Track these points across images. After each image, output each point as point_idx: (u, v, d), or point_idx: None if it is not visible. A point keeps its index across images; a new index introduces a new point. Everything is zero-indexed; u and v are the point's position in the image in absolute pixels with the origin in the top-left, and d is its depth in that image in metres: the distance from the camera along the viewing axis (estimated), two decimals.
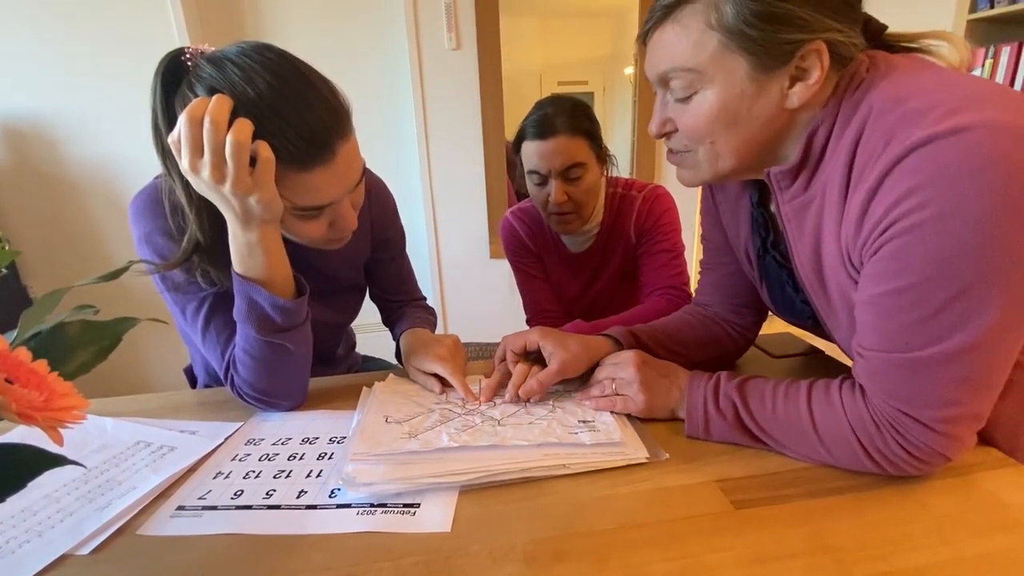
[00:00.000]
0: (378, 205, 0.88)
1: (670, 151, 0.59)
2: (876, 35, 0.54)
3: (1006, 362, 0.45)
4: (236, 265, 0.61)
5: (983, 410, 0.47)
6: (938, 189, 0.41)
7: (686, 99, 0.53)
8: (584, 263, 1.10)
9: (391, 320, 0.98)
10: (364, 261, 0.90)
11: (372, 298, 0.99)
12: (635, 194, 1.07)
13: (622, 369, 0.63)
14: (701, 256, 0.79)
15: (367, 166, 0.69)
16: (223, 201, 0.56)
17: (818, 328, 0.64)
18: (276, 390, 0.66)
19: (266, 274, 0.61)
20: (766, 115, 0.51)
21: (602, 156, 1.01)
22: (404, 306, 0.98)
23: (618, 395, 0.63)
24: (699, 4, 0.49)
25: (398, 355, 0.86)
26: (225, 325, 0.66)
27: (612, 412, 0.62)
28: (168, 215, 0.64)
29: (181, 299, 0.67)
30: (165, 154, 0.59)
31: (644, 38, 0.55)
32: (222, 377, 0.67)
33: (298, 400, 0.69)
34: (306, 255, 0.73)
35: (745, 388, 0.56)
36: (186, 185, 0.59)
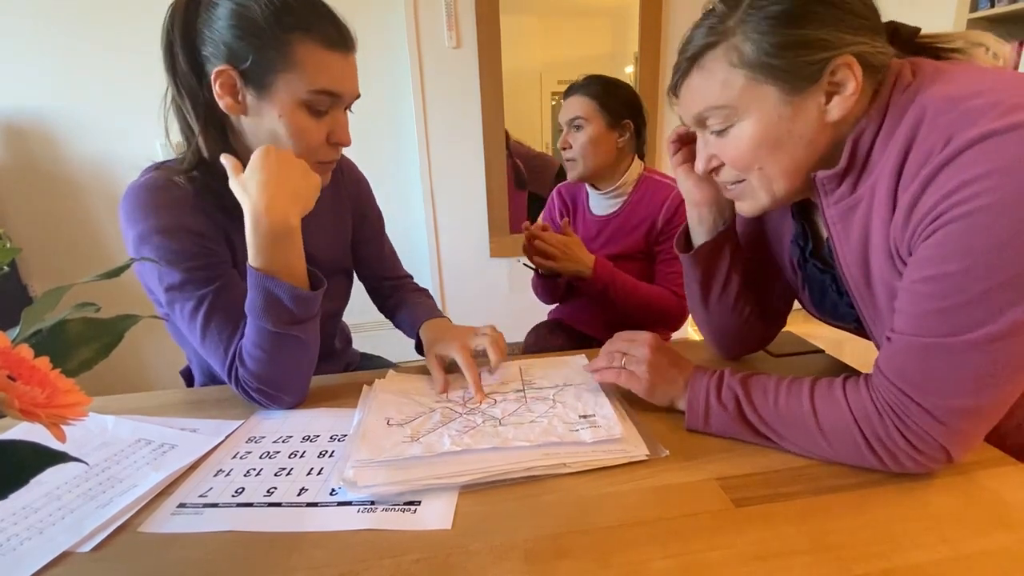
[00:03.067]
0: (353, 183, 0.93)
1: (724, 187, 0.60)
2: (909, 39, 0.55)
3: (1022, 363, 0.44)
4: (254, 260, 0.62)
5: (991, 410, 0.46)
6: (993, 181, 0.41)
7: (724, 132, 0.54)
8: (604, 225, 1.24)
9: (389, 305, 1.00)
10: (348, 239, 0.93)
11: (364, 281, 1.02)
12: (669, 183, 1.17)
13: (636, 348, 0.64)
14: None
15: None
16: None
17: (861, 330, 0.65)
18: (282, 383, 0.67)
19: (285, 266, 0.63)
20: (809, 132, 0.52)
21: (613, 123, 1.15)
22: (399, 289, 1.01)
23: (624, 370, 0.64)
24: (719, 49, 0.51)
25: (418, 346, 0.87)
26: (226, 322, 0.67)
27: (612, 405, 0.62)
28: (178, 131, 0.69)
29: (179, 299, 0.67)
30: (176, 74, 0.66)
31: (675, 91, 0.57)
32: (225, 374, 0.67)
33: (300, 396, 0.70)
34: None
35: (748, 382, 0.57)
36: (195, 104, 0.66)
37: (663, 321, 1.19)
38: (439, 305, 2.52)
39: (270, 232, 0.61)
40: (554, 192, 1.38)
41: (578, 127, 1.16)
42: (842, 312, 0.64)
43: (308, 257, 0.74)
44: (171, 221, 0.67)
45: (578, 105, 1.16)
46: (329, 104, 0.68)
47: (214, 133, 0.68)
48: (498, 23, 2.14)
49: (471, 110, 2.20)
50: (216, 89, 0.65)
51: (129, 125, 1.95)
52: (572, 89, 1.20)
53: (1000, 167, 0.41)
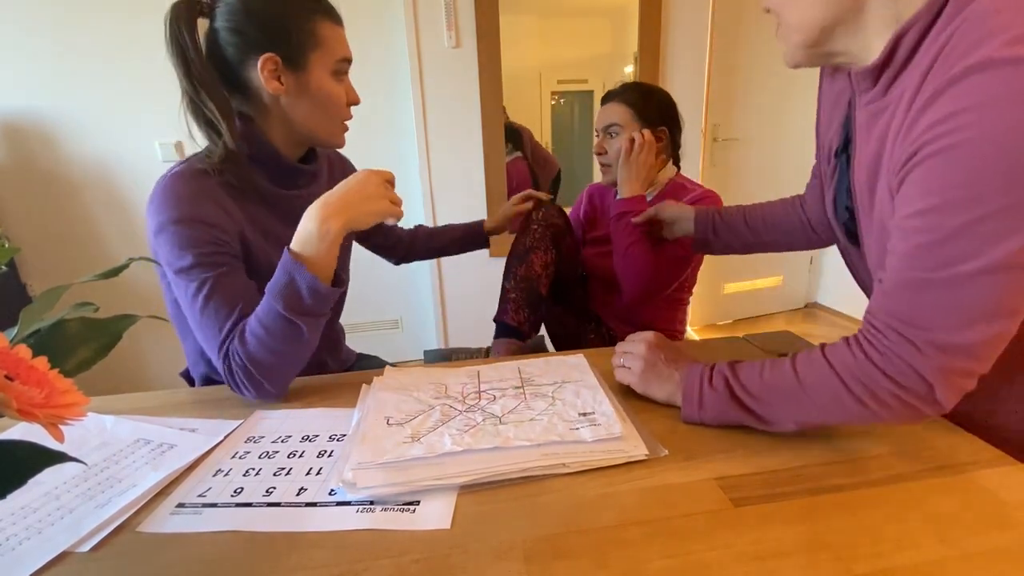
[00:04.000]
0: (339, 163, 1.02)
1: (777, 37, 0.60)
2: None
3: (1012, 302, 0.43)
4: (294, 244, 0.67)
5: (979, 349, 0.45)
6: (979, 115, 0.40)
7: None
8: None
9: (418, 248, 1.27)
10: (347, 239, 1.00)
11: (379, 250, 1.25)
12: (691, 187, 1.20)
13: (635, 345, 0.68)
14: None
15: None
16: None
17: (852, 255, 0.67)
18: (269, 369, 0.68)
19: (315, 259, 0.67)
20: None
21: (649, 130, 1.16)
22: (411, 235, 1.26)
23: (622, 366, 0.68)
24: None
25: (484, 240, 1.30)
26: (224, 303, 0.69)
27: (611, 404, 0.62)
28: (202, 132, 0.75)
29: (185, 279, 0.70)
30: (192, 76, 0.71)
31: None
32: (216, 349, 0.69)
33: (280, 392, 0.70)
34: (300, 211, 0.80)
35: (737, 364, 0.59)
36: (216, 100, 0.72)
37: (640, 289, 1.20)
38: (439, 305, 2.52)
39: (313, 227, 0.67)
40: (584, 192, 1.42)
41: (614, 134, 1.18)
42: (840, 215, 0.65)
43: None
44: (189, 212, 0.70)
45: (614, 112, 1.18)
46: (346, 69, 0.81)
47: (235, 122, 0.75)
48: (497, 23, 2.14)
49: (471, 110, 2.20)
50: (263, 76, 0.74)
51: (128, 125, 1.95)
52: (609, 96, 1.21)
53: (989, 102, 0.39)
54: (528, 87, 2.41)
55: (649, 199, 1.21)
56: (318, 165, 0.89)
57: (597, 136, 1.25)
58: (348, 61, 0.80)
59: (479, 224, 1.29)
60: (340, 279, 0.72)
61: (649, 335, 0.68)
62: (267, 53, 0.73)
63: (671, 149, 1.24)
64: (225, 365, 0.68)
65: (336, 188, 0.69)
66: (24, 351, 0.30)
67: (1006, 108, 0.39)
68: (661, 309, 1.26)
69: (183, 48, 0.71)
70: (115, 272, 0.68)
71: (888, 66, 0.50)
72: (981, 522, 0.44)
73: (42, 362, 0.30)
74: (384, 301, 2.44)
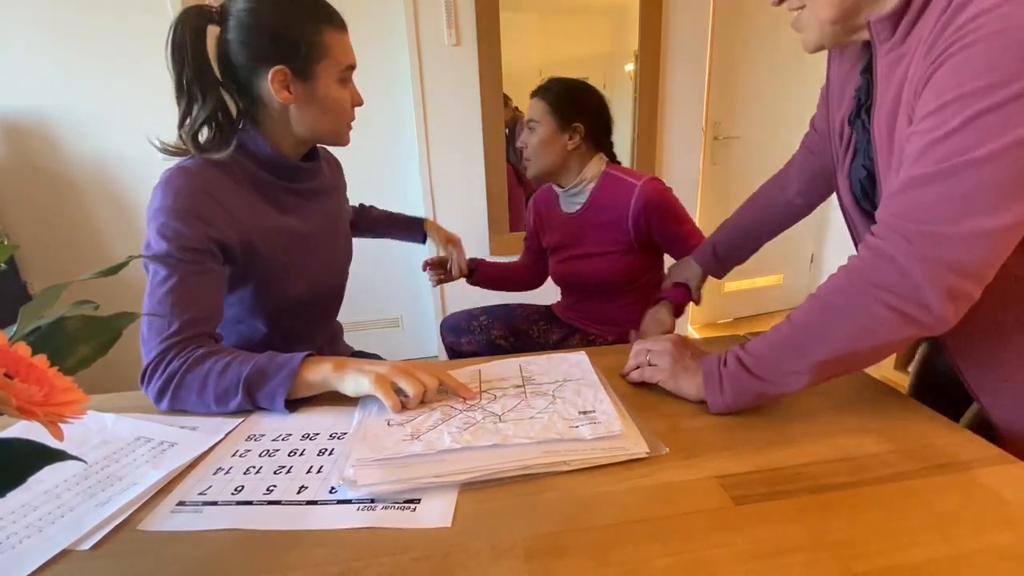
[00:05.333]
0: (337, 170, 1.05)
1: (792, 15, 0.60)
2: None
3: (1015, 192, 0.43)
4: (297, 389, 0.66)
5: (973, 244, 0.45)
6: (1002, 11, 0.41)
7: None
8: (574, 222, 1.30)
9: (359, 227, 1.27)
10: (344, 193, 1.07)
11: (364, 232, 1.29)
12: (632, 181, 1.20)
13: (659, 344, 0.70)
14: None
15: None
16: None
17: (854, 215, 0.67)
18: (184, 402, 0.67)
19: (306, 382, 0.66)
20: None
21: (563, 126, 1.20)
22: (356, 214, 1.26)
23: (649, 365, 0.69)
24: None
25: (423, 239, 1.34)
26: (185, 301, 0.70)
27: (612, 402, 0.62)
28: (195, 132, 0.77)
29: (153, 266, 0.71)
30: (193, 82, 0.75)
31: None
32: (155, 343, 0.68)
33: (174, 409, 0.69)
34: (305, 206, 0.89)
35: (747, 341, 0.62)
36: (210, 107, 0.75)
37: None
38: (439, 304, 2.52)
39: (319, 374, 0.66)
40: (531, 203, 1.45)
41: (532, 129, 1.23)
42: (861, 179, 0.64)
43: (330, 215, 0.95)
44: (183, 204, 0.72)
45: (533, 108, 1.23)
46: (351, 75, 0.83)
47: (229, 127, 0.79)
48: (498, 21, 2.14)
49: (471, 108, 2.20)
50: (273, 88, 0.76)
51: (128, 124, 1.95)
52: (533, 92, 1.26)
53: (1012, 3, 0.40)
54: (528, 85, 2.39)
55: (586, 195, 1.26)
56: (319, 162, 0.92)
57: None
58: (353, 67, 0.83)
59: (420, 225, 1.33)
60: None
61: (672, 335, 0.72)
62: (277, 66, 0.75)
63: (595, 142, 1.25)
64: (153, 363, 0.67)
65: (364, 364, 0.66)
66: (24, 349, 0.30)
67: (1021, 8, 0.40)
68: (637, 306, 1.27)
69: (186, 53, 0.73)
70: (115, 270, 0.68)
71: (905, 14, 0.51)
72: (982, 520, 0.44)
73: (42, 360, 0.30)
74: (385, 299, 2.44)
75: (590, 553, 0.42)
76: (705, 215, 2.69)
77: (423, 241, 1.33)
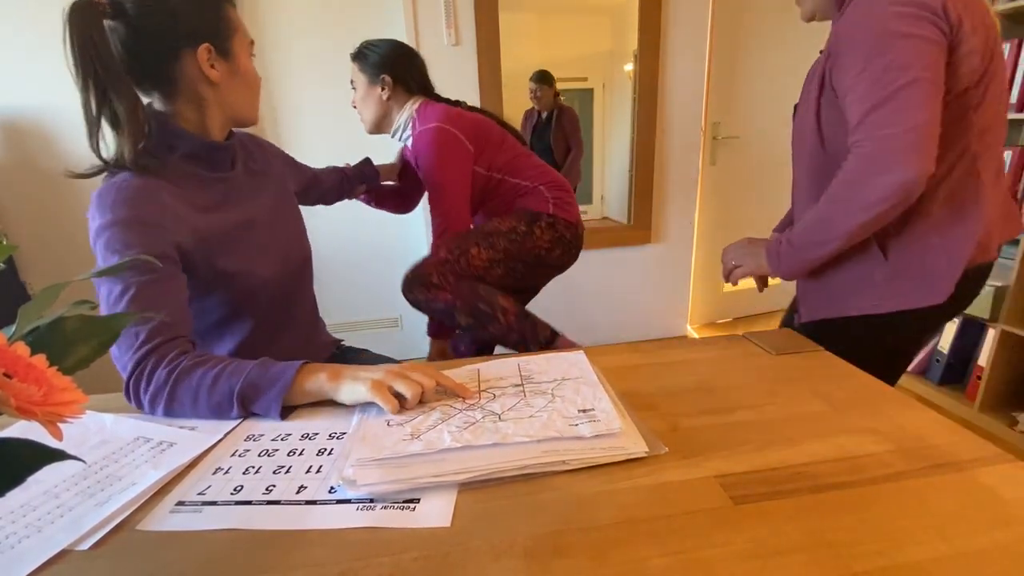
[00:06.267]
0: (263, 154, 1.00)
1: None
2: None
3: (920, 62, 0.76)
4: (305, 379, 0.65)
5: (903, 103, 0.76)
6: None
7: None
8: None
9: (350, 180, 1.35)
10: (281, 169, 1.03)
11: (325, 198, 1.29)
12: (418, 128, 1.34)
13: (731, 248, 1.03)
14: None
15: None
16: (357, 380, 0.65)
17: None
18: (178, 412, 0.66)
19: (303, 390, 0.66)
20: None
21: (373, 81, 1.36)
22: (340, 177, 1.32)
23: (734, 266, 1.02)
24: None
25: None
26: (147, 309, 0.67)
27: (611, 400, 0.62)
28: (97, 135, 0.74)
29: (108, 281, 0.67)
30: (101, 81, 0.70)
31: None
32: (129, 354, 0.66)
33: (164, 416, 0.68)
34: (239, 188, 0.88)
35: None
36: (126, 102, 0.71)
37: None
38: None
39: (314, 384, 0.65)
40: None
41: (354, 89, 1.40)
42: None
43: (285, 239, 0.93)
44: (127, 214, 0.69)
45: (352, 72, 1.39)
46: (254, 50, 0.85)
47: (142, 123, 0.74)
48: (497, 21, 2.14)
49: None
50: (204, 66, 0.76)
51: None
52: (351, 56, 1.41)
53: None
54: (528, 85, 2.41)
55: (402, 141, 1.42)
56: (235, 143, 0.90)
57: None
58: (253, 43, 0.85)
59: (368, 162, 1.41)
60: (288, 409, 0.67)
61: (742, 240, 1.03)
62: (203, 44, 0.75)
63: (406, 88, 1.39)
64: (134, 376, 0.66)
65: (360, 371, 0.66)
66: (22, 349, 0.30)
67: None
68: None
69: (94, 53, 0.68)
70: (114, 270, 0.68)
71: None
72: (982, 520, 0.44)
73: (40, 360, 0.30)
74: (384, 299, 2.44)
75: (589, 553, 0.42)
76: (705, 215, 2.69)
77: (377, 177, 1.42)
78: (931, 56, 0.75)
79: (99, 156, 0.73)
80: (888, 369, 0.95)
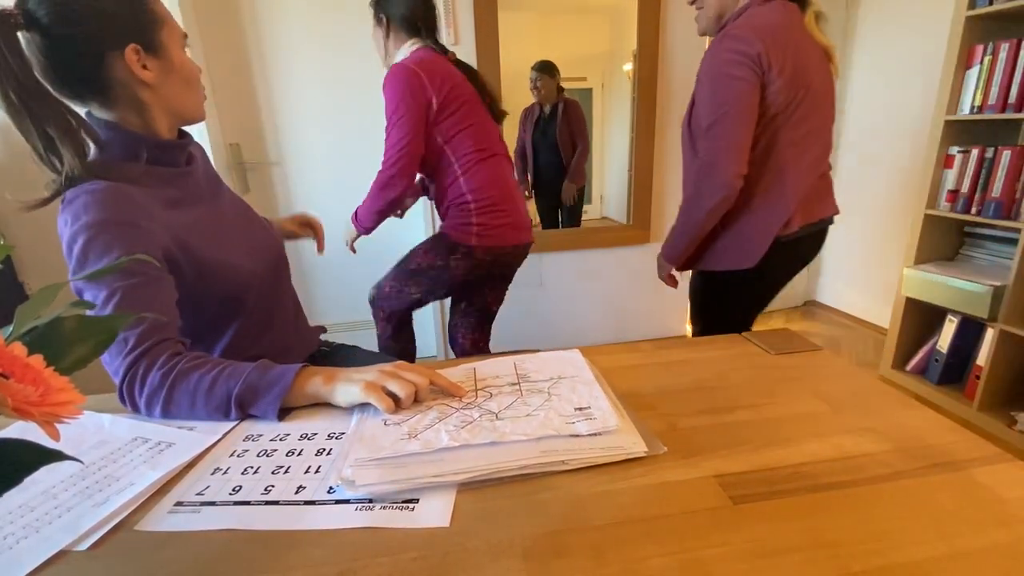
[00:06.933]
0: (206, 161, 0.95)
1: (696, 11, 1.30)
2: None
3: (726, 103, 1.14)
4: (305, 382, 0.65)
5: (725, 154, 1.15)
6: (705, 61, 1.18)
7: None
8: None
9: None
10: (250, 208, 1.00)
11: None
12: (409, 58, 1.42)
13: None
14: None
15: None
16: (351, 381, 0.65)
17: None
18: (175, 415, 0.66)
19: (302, 392, 0.66)
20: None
21: (377, 21, 1.46)
22: None
23: (660, 274, 1.48)
24: None
25: None
26: (135, 312, 0.66)
27: (608, 399, 0.62)
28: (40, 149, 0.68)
29: (90, 287, 0.66)
30: (24, 98, 0.65)
31: None
32: (121, 358, 0.65)
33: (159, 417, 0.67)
34: (198, 184, 0.86)
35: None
36: (56, 116, 0.67)
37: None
38: (439, 307, 2.49)
39: (310, 387, 0.65)
40: None
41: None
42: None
43: (256, 245, 0.91)
44: (109, 215, 0.68)
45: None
46: (186, 43, 0.81)
47: (80, 132, 0.70)
48: (496, 20, 2.14)
49: None
50: (133, 68, 0.72)
51: None
52: None
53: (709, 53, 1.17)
54: (527, 84, 2.40)
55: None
56: (187, 141, 0.87)
57: None
58: (186, 35, 0.81)
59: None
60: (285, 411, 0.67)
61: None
62: (130, 44, 0.71)
63: (403, 29, 1.44)
64: (127, 380, 0.65)
65: (353, 373, 0.66)
66: (19, 349, 0.30)
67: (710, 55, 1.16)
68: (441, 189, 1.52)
69: (9, 67, 0.64)
70: (114, 270, 0.67)
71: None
72: (980, 519, 0.44)
73: (38, 360, 0.30)
74: None
75: (588, 552, 0.42)
76: None
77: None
78: (746, 93, 1.10)
79: (56, 171, 0.69)
80: (739, 310, 1.38)
